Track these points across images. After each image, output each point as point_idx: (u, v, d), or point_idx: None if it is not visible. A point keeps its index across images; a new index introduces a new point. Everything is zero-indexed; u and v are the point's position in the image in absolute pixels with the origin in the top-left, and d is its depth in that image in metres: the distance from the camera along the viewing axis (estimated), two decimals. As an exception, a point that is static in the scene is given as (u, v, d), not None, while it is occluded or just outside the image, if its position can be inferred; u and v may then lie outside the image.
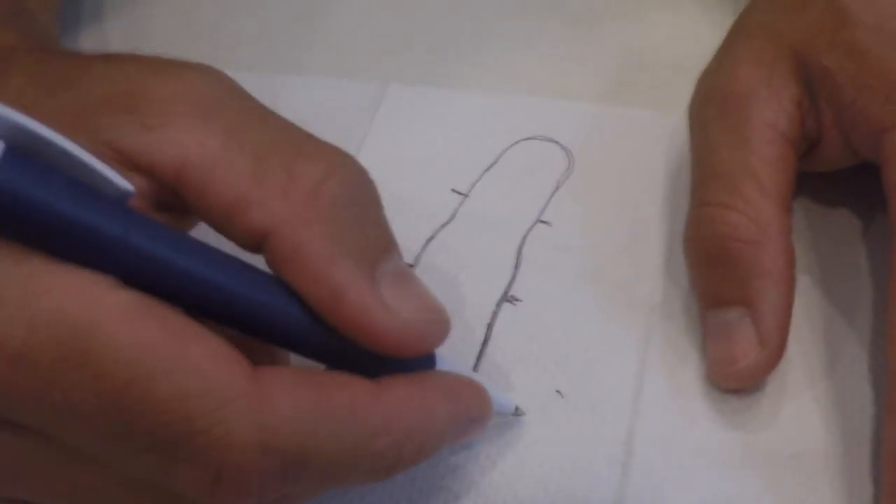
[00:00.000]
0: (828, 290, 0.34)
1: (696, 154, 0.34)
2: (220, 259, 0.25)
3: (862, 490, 0.30)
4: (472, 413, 0.29)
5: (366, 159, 0.37)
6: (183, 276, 0.24)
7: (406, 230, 0.36)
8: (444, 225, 0.37)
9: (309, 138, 0.28)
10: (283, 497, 0.25)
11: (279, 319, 0.25)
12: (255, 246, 0.26)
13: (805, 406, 0.32)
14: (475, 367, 0.33)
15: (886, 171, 0.31)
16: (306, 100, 0.41)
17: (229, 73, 0.28)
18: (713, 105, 0.34)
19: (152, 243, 0.23)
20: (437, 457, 0.31)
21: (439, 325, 0.27)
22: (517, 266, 0.36)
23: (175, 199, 0.26)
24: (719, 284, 0.32)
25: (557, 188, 0.38)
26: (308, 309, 0.25)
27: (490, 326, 0.34)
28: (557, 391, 0.33)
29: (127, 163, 0.26)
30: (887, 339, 0.30)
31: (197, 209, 0.26)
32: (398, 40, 0.44)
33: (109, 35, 0.46)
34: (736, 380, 0.32)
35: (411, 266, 0.36)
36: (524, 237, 0.37)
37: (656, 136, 0.39)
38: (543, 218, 0.37)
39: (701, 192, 0.33)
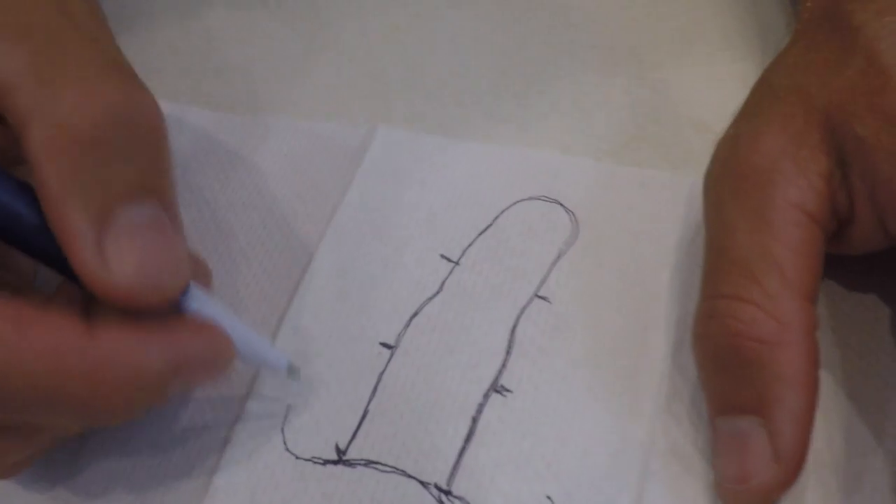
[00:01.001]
0: (852, 393, 0.31)
1: (709, 236, 0.31)
2: None
3: None
4: (200, 358, 0.28)
5: (349, 212, 0.36)
6: None
7: (388, 303, 0.34)
8: (430, 298, 0.34)
9: (102, 67, 0.27)
10: (14, 429, 0.27)
11: (32, 237, 0.26)
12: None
13: (825, 527, 0.29)
14: (456, 466, 0.30)
15: None
16: (295, 141, 0.39)
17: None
18: (731, 179, 0.30)
19: None
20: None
21: (156, 290, 0.26)
22: (509, 350, 0.32)
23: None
24: (731, 389, 0.29)
25: (559, 258, 0.34)
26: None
27: (475, 420, 0.31)
28: (548, 497, 0.29)
29: None
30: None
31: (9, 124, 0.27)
32: (392, 84, 0.41)
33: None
34: (747, 500, 0.28)
35: (391, 347, 0.33)
36: (519, 316, 0.33)
37: (672, 200, 0.35)
38: (542, 293, 0.33)
39: (713, 282, 0.30)
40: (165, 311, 0.27)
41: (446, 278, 0.34)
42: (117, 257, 0.25)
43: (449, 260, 0.35)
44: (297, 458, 0.31)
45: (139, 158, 0.27)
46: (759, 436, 0.28)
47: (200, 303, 0.28)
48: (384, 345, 0.33)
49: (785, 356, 0.28)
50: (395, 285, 0.34)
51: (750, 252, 0.29)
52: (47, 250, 0.26)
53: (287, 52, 0.43)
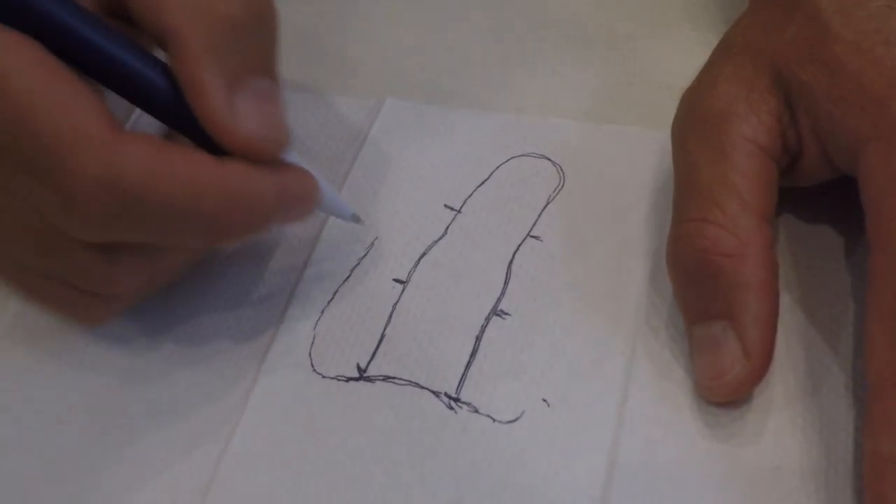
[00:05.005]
0: (808, 309, 0.33)
1: (677, 171, 0.33)
2: (122, 38, 0.29)
3: (843, 505, 0.29)
4: (296, 196, 0.32)
5: (360, 172, 0.38)
6: (84, 43, 0.29)
7: (399, 246, 0.36)
8: (436, 241, 0.36)
9: None
10: (142, 250, 0.31)
11: (159, 96, 0.30)
12: (161, 43, 0.30)
13: (790, 421, 0.31)
14: (463, 377, 0.33)
15: (863, 184, 0.30)
16: (305, 116, 0.41)
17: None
18: (693, 122, 0.33)
19: (59, 10, 0.28)
20: (415, 464, 0.31)
21: (272, 143, 0.31)
22: (507, 281, 0.35)
23: (121, 7, 0.31)
24: (702, 299, 0.31)
25: (548, 203, 0.37)
26: (181, 96, 0.30)
27: (478, 339, 0.33)
28: (544, 400, 0.32)
29: None
30: (865, 354, 0.28)
31: (132, 11, 0.30)
32: (395, 61, 0.43)
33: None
34: (724, 393, 0.31)
35: (403, 282, 0.35)
36: (514, 252, 0.36)
37: (645, 153, 0.38)
38: (534, 233, 0.36)
39: (682, 209, 0.32)
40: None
41: (450, 224, 0.36)
42: (244, 115, 0.30)
43: (451, 208, 0.37)
44: (322, 377, 0.33)
45: (262, 43, 0.31)
46: (730, 338, 0.30)
47: (293, 158, 0.32)
48: (397, 280, 0.35)
49: (747, 267, 0.30)
50: (404, 231, 0.36)
51: (712, 181, 0.31)
52: (173, 111, 0.30)
53: (299, 36, 0.44)
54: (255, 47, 0.31)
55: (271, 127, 0.31)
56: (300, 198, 0.32)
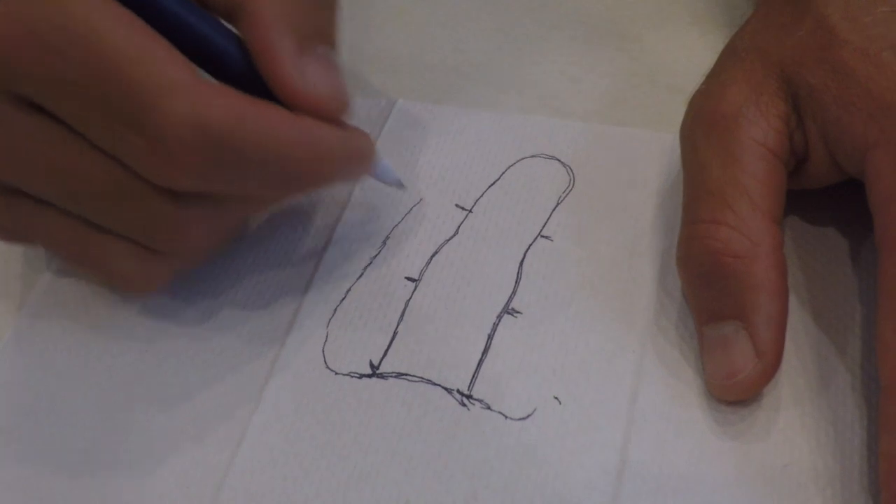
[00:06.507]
0: (816, 310, 0.33)
1: (687, 173, 0.33)
2: (190, 4, 0.30)
3: (853, 502, 0.29)
4: (359, 153, 0.33)
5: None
6: (157, 7, 0.29)
7: (411, 245, 0.36)
8: (447, 240, 0.36)
9: None
10: (213, 202, 0.31)
11: (230, 61, 0.30)
12: (231, 15, 0.31)
13: (799, 419, 0.31)
14: (475, 374, 0.32)
15: (870, 188, 0.30)
16: None
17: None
18: (703, 125, 0.33)
19: None
20: (429, 460, 0.30)
21: (337, 103, 0.31)
22: (518, 280, 0.35)
23: None
24: (714, 300, 0.31)
25: (558, 204, 0.37)
26: (251, 60, 0.30)
27: (490, 337, 0.33)
28: (555, 397, 0.32)
29: None
30: (878, 355, 0.28)
31: None
32: (403, 62, 0.43)
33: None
34: (736, 393, 0.31)
35: (415, 280, 0.35)
36: (525, 252, 0.36)
37: (653, 154, 0.38)
38: (544, 233, 0.36)
39: (692, 210, 0.32)
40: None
41: (461, 223, 0.36)
42: (313, 76, 0.30)
43: (463, 208, 0.37)
44: (335, 373, 0.33)
45: (327, 12, 0.33)
46: (742, 337, 0.30)
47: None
48: (409, 279, 0.35)
49: (758, 268, 0.30)
50: (416, 230, 0.36)
51: (722, 183, 0.31)
52: (240, 75, 0.30)
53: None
54: (320, 16, 0.32)
55: (336, 89, 0.31)
56: (362, 154, 0.33)
